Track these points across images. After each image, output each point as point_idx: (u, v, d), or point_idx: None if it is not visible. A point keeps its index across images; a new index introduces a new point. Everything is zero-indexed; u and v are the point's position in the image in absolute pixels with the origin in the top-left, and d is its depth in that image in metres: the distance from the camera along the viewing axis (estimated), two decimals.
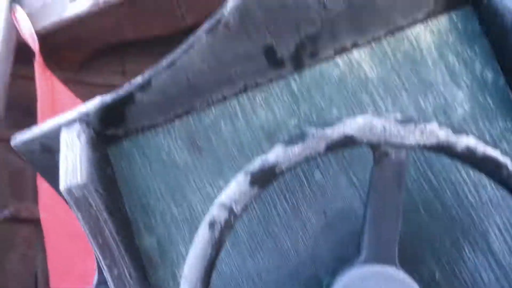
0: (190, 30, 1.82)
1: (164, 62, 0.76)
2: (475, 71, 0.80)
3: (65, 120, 0.78)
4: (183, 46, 0.76)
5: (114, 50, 1.80)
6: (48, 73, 1.50)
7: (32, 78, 1.48)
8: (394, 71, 0.81)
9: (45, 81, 1.47)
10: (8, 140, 1.42)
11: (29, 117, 1.47)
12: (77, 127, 0.77)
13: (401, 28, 0.81)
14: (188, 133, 0.83)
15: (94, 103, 0.78)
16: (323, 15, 0.76)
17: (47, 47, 1.50)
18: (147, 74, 0.77)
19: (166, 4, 1.66)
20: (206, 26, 0.74)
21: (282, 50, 0.80)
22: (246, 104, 0.83)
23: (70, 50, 1.69)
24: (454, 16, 0.81)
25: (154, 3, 1.62)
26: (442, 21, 0.82)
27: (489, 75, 0.80)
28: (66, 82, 1.55)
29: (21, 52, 1.51)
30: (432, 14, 0.81)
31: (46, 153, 0.80)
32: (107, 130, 0.81)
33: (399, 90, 0.80)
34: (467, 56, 0.80)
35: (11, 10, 1.50)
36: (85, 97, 1.56)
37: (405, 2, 0.79)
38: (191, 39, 0.75)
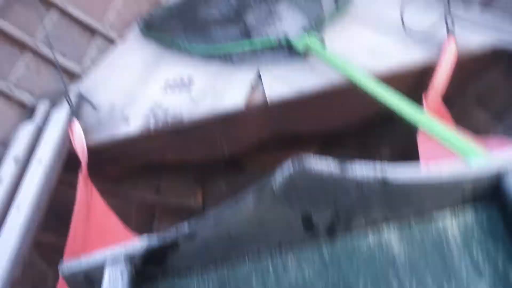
0: (226, 158, 1.94)
1: (211, 218, 0.84)
2: (497, 264, 0.85)
3: (111, 256, 0.84)
4: (230, 206, 0.83)
5: (151, 167, 1.91)
6: (89, 184, 1.59)
7: (73, 186, 1.56)
8: (421, 255, 0.86)
9: (85, 191, 1.55)
10: (39, 243, 1.47)
11: (63, 222, 1.53)
12: (121, 265, 0.83)
13: (429, 211, 0.89)
14: (221, 283, 0.88)
15: (140, 245, 0.85)
16: (359, 196, 0.84)
17: (94, 159, 1.61)
18: (193, 225, 0.84)
19: (208, 135, 1.80)
20: (254, 191, 0.82)
21: (318, 218, 0.87)
22: (278, 262, 0.89)
23: (113, 165, 1.80)
24: (479, 210, 0.88)
25: (198, 133, 1.75)
26: (468, 213, 0.89)
27: (510, 270, 0.84)
28: (103, 193, 1.63)
29: (68, 161, 1.62)
30: (459, 204, 0.88)
31: (88, 284, 0.85)
32: (147, 269, 0.86)
33: (424, 273, 0.85)
34: (490, 249, 0.86)
35: (69, 122, 1.64)
36: (118, 210, 1.64)
37: (435, 191, 0.86)
38: (239, 201, 0.83)
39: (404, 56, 1.69)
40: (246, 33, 2.00)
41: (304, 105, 1.74)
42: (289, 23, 2.00)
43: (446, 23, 1.62)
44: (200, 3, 2.31)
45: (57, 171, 1.53)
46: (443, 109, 1.59)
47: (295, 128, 1.90)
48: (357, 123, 1.89)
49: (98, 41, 2.12)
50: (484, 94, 1.79)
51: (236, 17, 2.12)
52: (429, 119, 1.34)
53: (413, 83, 1.70)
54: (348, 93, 1.63)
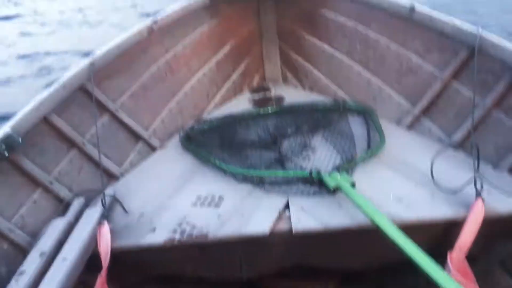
0: (243, 280, 1.93)
1: None
2: None
3: None
4: None
5: (167, 279, 1.91)
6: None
7: (88, 286, 1.57)
8: None
9: None
10: None
11: None
12: None
13: None
14: None
15: None
16: None
17: (113, 263, 1.63)
18: None
19: (230, 255, 1.81)
20: None
21: None
22: None
23: (131, 272, 1.81)
24: None
25: (220, 252, 1.77)
26: None
27: None
28: None
29: (89, 261, 1.64)
30: None
31: None
32: None
33: None
34: None
35: (99, 223, 1.69)
36: None
37: None
38: None
39: (431, 209, 1.73)
40: (280, 161, 2.09)
41: (327, 240, 1.76)
42: (322, 159, 2.09)
43: (475, 185, 1.67)
44: (240, 124, 2.46)
45: (79, 270, 1.55)
46: (466, 268, 1.59)
47: (316, 261, 1.90)
48: (379, 266, 1.88)
49: (140, 146, 2.25)
50: (508, 259, 1.79)
51: (272, 144, 2.24)
52: (452, 282, 1.33)
53: (437, 237, 1.71)
54: (372, 236, 1.65)
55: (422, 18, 2.22)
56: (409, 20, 2.28)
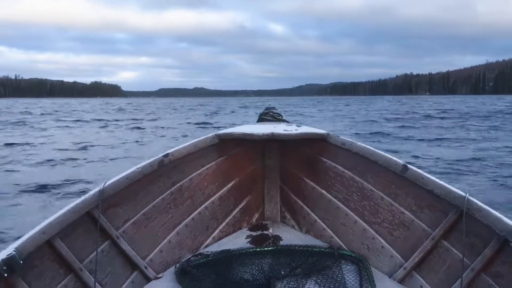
0: None
1: None
2: None
3: None
4: None
5: None
6: None
7: None
8: None
9: None
10: None
11: None
12: None
13: None
14: None
15: None
16: None
17: None
18: None
19: None
20: None
21: None
22: None
23: None
24: None
25: None
26: None
27: None
28: None
29: None
30: None
31: None
32: None
33: None
34: None
35: None
36: None
37: None
38: None
39: None
40: None
41: None
42: None
43: None
44: (236, 261, 2.50)
45: None
46: None
47: None
48: None
49: (134, 276, 2.27)
50: None
51: (265, 284, 2.26)
52: None
53: None
54: None
55: (414, 177, 2.38)
56: (402, 177, 2.43)
